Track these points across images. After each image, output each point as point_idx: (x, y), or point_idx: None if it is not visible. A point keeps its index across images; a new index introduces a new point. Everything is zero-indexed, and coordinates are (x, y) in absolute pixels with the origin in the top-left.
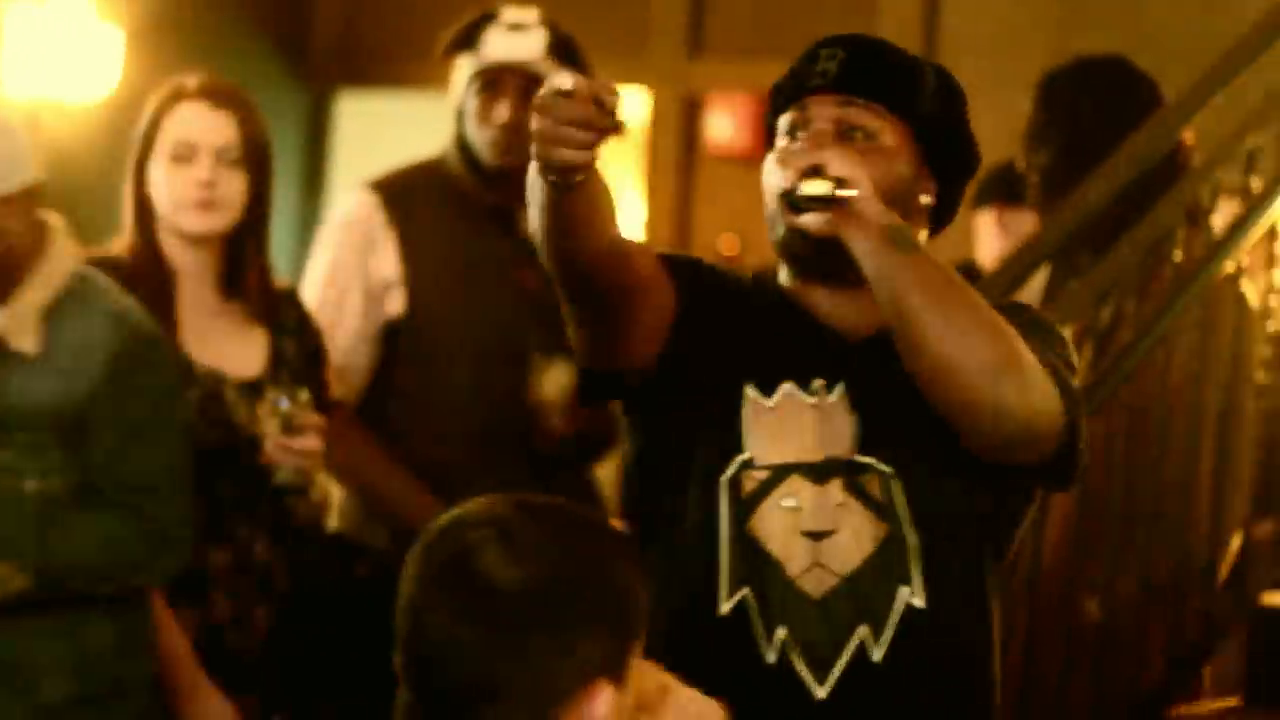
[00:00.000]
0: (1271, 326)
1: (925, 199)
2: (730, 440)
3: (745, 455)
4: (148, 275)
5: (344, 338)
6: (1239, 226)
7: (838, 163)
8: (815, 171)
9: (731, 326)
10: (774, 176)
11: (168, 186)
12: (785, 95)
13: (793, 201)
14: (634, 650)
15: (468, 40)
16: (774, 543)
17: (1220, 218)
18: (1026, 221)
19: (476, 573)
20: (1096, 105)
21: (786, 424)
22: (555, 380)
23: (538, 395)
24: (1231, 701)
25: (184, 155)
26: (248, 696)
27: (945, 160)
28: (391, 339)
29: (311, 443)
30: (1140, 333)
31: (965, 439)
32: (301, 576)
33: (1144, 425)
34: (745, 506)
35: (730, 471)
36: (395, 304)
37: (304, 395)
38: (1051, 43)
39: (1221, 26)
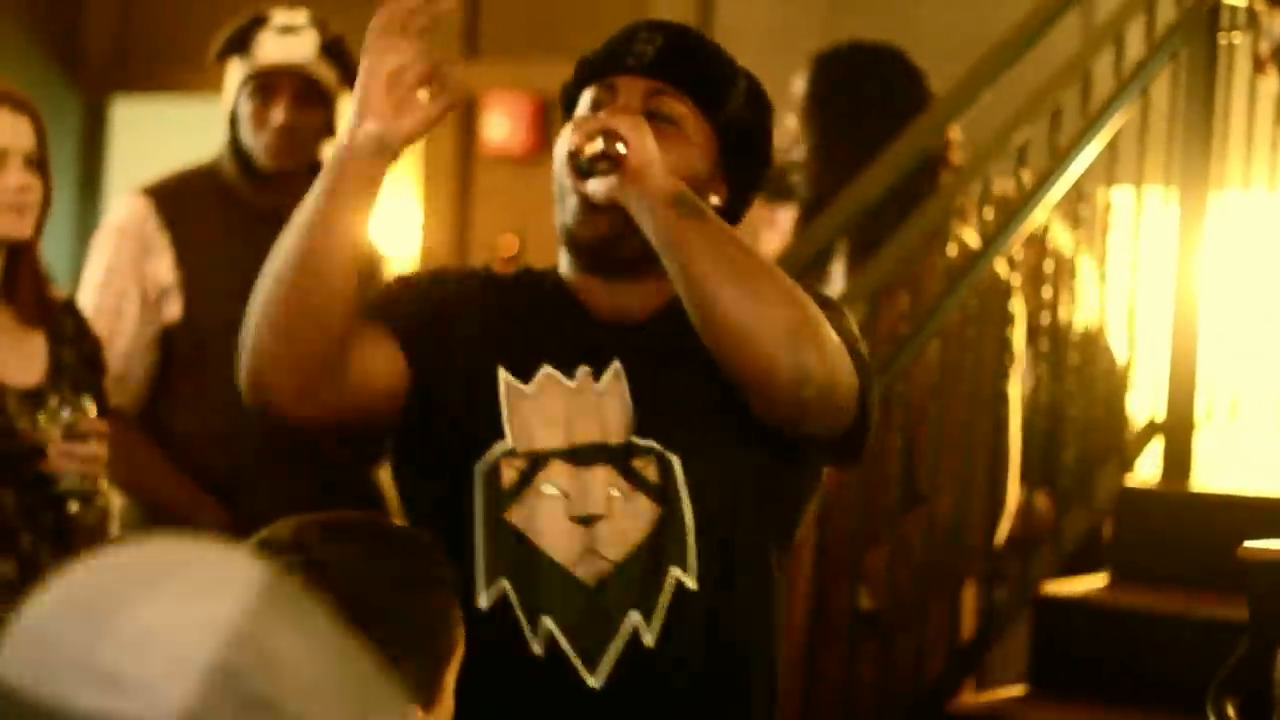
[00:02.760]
0: (1045, 319)
1: (715, 199)
2: (488, 429)
3: (506, 444)
4: None
5: (122, 344)
6: (1010, 220)
7: (627, 128)
8: (606, 135)
9: (479, 320)
10: (563, 144)
11: None
12: (594, 70)
13: (579, 166)
14: (446, 673)
15: (239, 44)
16: (538, 531)
17: (990, 211)
18: (786, 217)
19: None
20: (866, 94)
21: (546, 410)
22: None
23: None
24: (1016, 690)
25: None
26: None
27: (740, 167)
28: (169, 344)
29: (95, 449)
30: (916, 327)
31: (760, 406)
32: None
33: (922, 417)
34: (505, 495)
35: (488, 460)
36: (172, 309)
37: (86, 402)
38: (825, 33)
39: (989, 21)
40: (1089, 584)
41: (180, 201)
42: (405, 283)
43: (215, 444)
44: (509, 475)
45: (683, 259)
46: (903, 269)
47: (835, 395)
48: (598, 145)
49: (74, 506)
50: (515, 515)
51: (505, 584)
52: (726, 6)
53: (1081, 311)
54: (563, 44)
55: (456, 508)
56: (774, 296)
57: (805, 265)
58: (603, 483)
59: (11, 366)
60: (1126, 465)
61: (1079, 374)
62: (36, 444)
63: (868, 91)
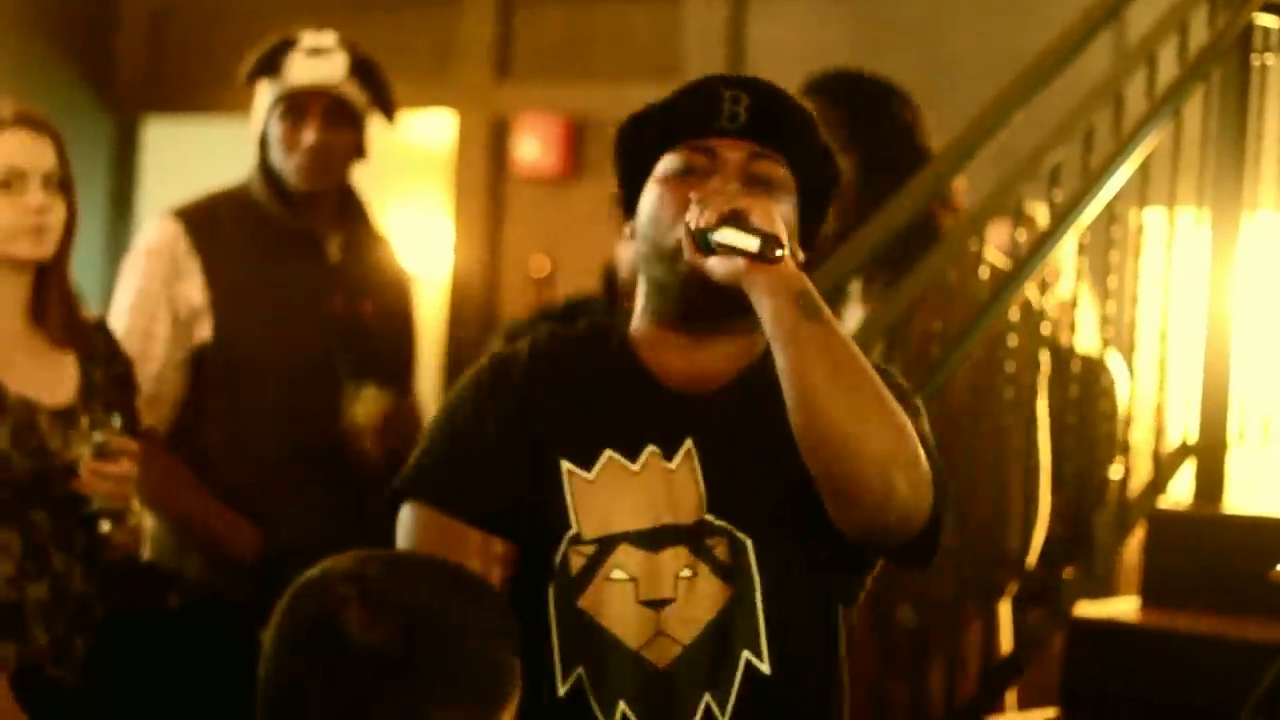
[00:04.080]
0: (1064, 340)
1: (800, 257)
2: (557, 520)
3: (571, 531)
4: None
5: (153, 365)
6: (1043, 241)
7: (761, 215)
8: (735, 217)
9: (541, 405)
10: (665, 210)
11: None
12: (679, 129)
13: (705, 242)
14: (501, 718)
15: (269, 66)
16: (608, 617)
17: (1024, 233)
18: None
19: (336, 631)
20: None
21: (610, 494)
22: (366, 404)
23: (349, 419)
24: (1048, 712)
25: (12, 183)
26: None
27: (815, 220)
28: (200, 365)
29: (125, 468)
30: (949, 348)
31: (838, 515)
32: (116, 606)
33: (954, 436)
34: (575, 583)
35: (559, 550)
36: (203, 330)
37: (116, 421)
38: (854, 57)
39: (1022, 43)
40: (1121, 606)
41: (211, 223)
42: (441, 464)
43: (246, 464)
44: (577, 562)
45: (798, 361)
46: (931, 291)
47: (916, 520)
48: (745, 240)
49: (105, 526)
50: (585, 602)
51: (580, 671)
52: (757, 27)
53: (1081, 340)
54: (593, 67)
55: (528, 598)
56: (876, 417)
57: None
58: (672, 565)
59: (43, 387)
60: (1159, 487)
61: (1078, 407)
62: (68, 463)
63: (896, 119)
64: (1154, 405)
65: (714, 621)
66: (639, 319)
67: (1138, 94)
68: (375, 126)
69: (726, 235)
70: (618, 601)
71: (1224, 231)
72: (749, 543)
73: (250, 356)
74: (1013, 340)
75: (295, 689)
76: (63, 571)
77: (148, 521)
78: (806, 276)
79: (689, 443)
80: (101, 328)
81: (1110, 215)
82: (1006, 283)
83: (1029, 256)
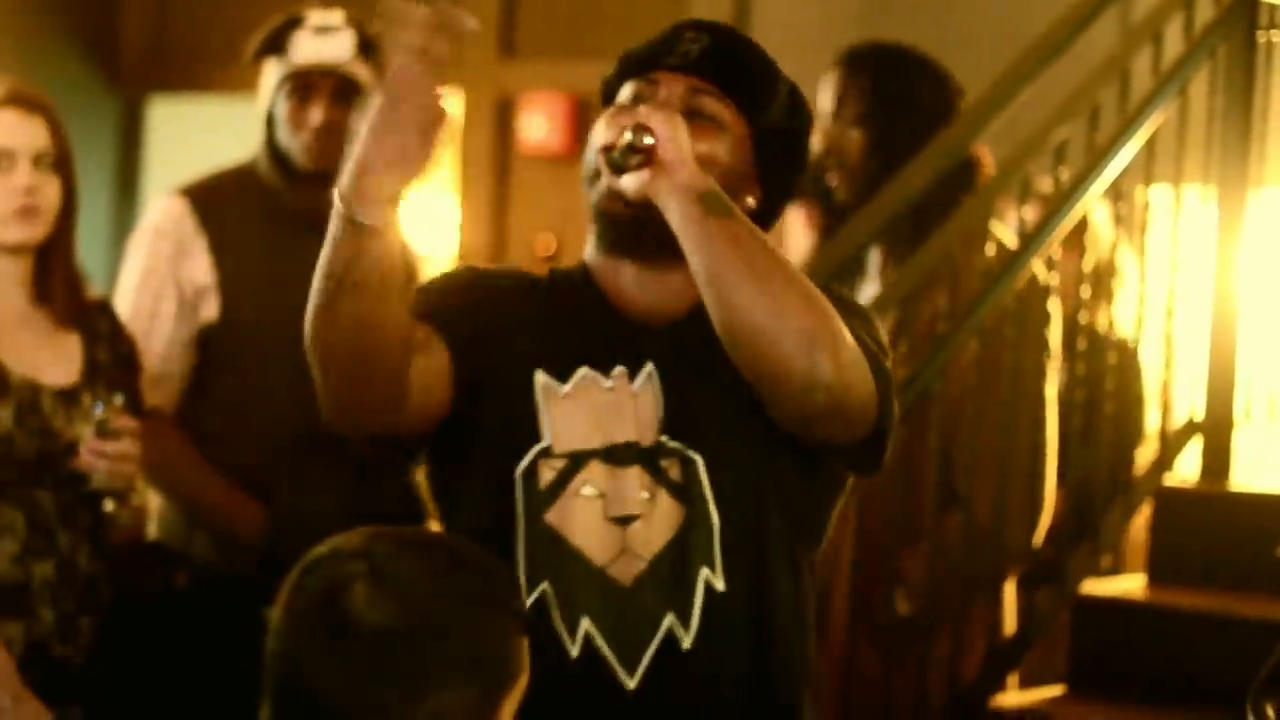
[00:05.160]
0: (1084, 318)
1: (749, 201)
2: (526, 430)
3: (543, 444)
4: None
5: (159, 344)
6: (1050, 219)
7: (660, 122)
8: (636, 130)
9: (516, 321)
10: (598, 134)
11: None
12: (636, 65)
13: (612, 160)
14: (505, 700)
15: (275, 44)
16: (576, 533)
17: (1030, 211)
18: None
19: (342, 608)
20: (910, 94)
21: (583, 410)
22: None
23: None
24: (1055, 690)
25: (2, 163)
26: (71, 705)
27: (776, 172)
28: (206, 345)
29: (127, 447)
30: (955, 326)
31: (773, 409)
32: (123, 585)
33: (959, 417)
34: (543, 497)
35: (526, 462)
36: (209, 310)
37: (119, 400)
38: (861, 34)
39: (1026, 18)
40: (1127, 584)
41: (217, 202)
42: (447, 281)
43: (252, 443)
44: (546, 476)
45: (703, 255)
46: (941, 267)
47: (848, 402)
48: (627, 137)
49: (109, 505)
50: (553, 516)
51: (545, 585)
52: (763, 5)
53: (1120, 311)
54: (599, 44)
55: (494, 510)
56: (792, 300)
57: (844, 265)
58: (636, 483)
59: (47, 366)
60: (1165, 465)
61: (1116, 373)
62: (71, 443)
63: (918, 96)
64: (1160, 382)
65: (672, 540)
66: (590, 249)
67: (1143, 71)
68: None
69: (622, 140)
70: (586, 517)
71: (1230, 209)
72: (700, 462)
73: (256, 336)
74: (1015, 329)
75: (302, 666)
76: (69, 551)
77: (154, 501)
78: (713, 180)
79: (650, 365)
80: (105, 307)
81: (1116, 192)
82: (1011, 261)
83: (1034, 233)
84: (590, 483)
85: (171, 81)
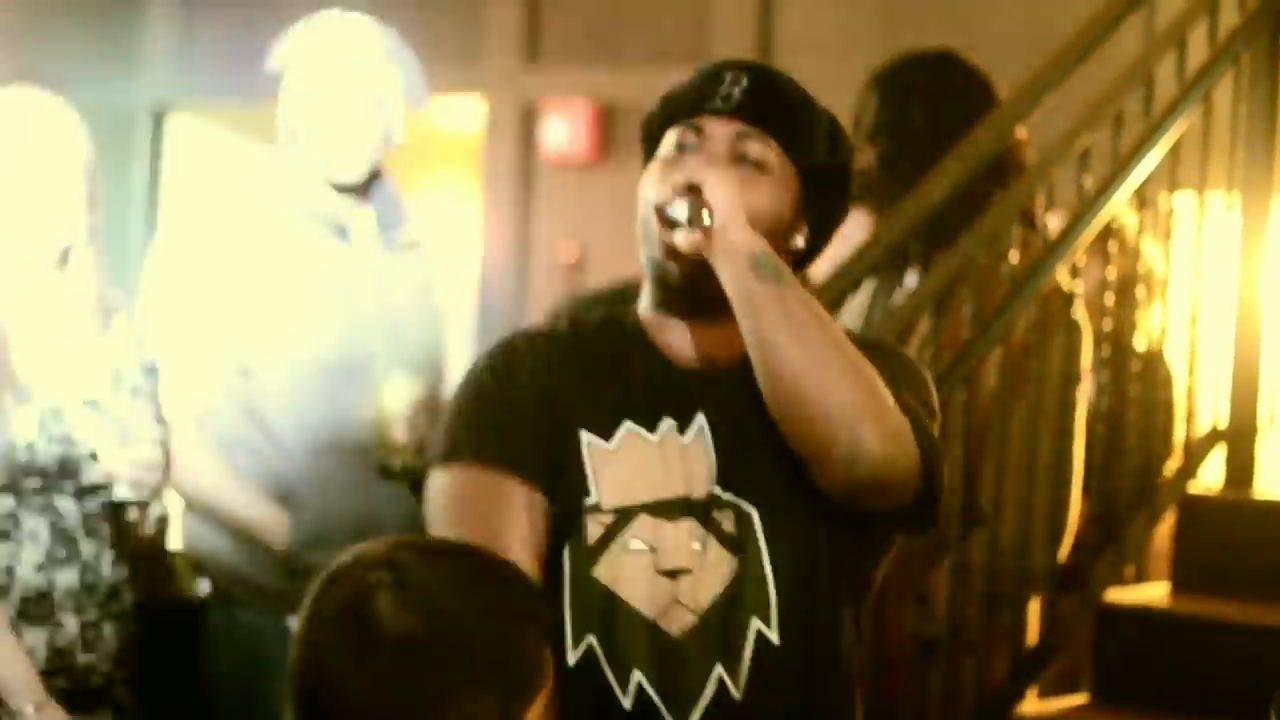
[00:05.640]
0: (1107, 325)
1: (798, 240)
2: (574, 489)
3: (590, 500)
4: None
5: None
6: (1073, 226)
7: (714, 184)
8: (693, 190)
9: (564, 388)
10: (651, 189)
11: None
12: (678, 109)
13: (666, 218)
14: (528, 711)
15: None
16: (625, 586)
17: (1055, 218)
18: (852, 223)
19: (366, 617)
20: (926, 106)
21: (630, 465)
22: (397, 392)
23: (380, 407)
24: (1079, 698)
25: None
26: (94, 713)
27: (822, 208)
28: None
29: (150, 455)
30: (978, 333)
31: (817, 478)
32: (146, 593)
33: (983, 426)
34: (590, 552)
35: (574, 518)
36: None
37: (144, 409)
38: (884, 43)
39: (1051, 26)
40: (1151, 592)
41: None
42: (487, 405)
43: (276, 451)
44: (594, 531)
45: (755, 322)
46: (968, 273)
47: (890, 476)
48: (683, 209)
49: (133, 513)
50: (601, 571)
51: (592, 639)
52: (787, 14)
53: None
54: (622, 51)
55: (544, 567)
56: (837, 371)
57: (873, 268)
58: (686, 536)
59: (70, 374)
60: (1189, 473)
61: (1141, 380)
62: (94, 452)
63: (911, 118)
64: (1184, 390)
65: (724, 593)
66: (644, 302)
67: (1168, 77)
68: (405, 112)
69: (676, 208)
70: (635, 571)
71: (1254, 215)
72: (754, 515)
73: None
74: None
75: (326, 675)
76: (92, 559)
77: (177, 509)
78: (765, 241)
79: (701, 418)
80: (130, 314)
81: (1140, 199)
82: (1034, 269)
83: (1058, 241)
84: (639, 537)
85: (195, 90)
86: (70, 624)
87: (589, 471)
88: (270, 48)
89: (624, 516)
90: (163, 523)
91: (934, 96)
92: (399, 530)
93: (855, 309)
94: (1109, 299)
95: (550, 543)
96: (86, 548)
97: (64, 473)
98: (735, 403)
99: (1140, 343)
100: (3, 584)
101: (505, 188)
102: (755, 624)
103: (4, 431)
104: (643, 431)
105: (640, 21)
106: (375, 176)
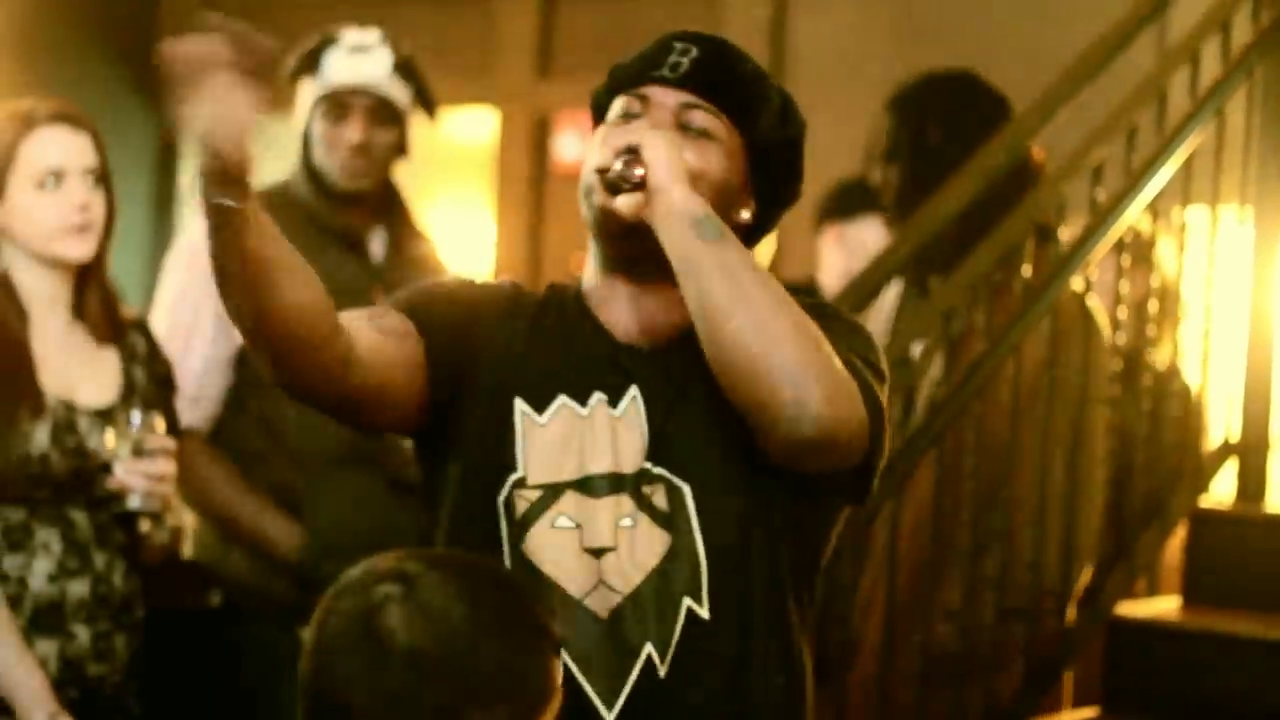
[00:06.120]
0: (1121, 340)
1: (744, 214)
2: (504, 460)
3: (518, 474)
4: (1, 305)
5: (195, 363)
6: (1086, 240)
7: (652, 144)
8: (632, 152)
9: (508, 344)
10: (594, 153)
11: (38, 213)
12: (626, 79)
13: (606, 182)
14: None
15: (310, 64)
16: (550, 564)
17: (1068, 232)
18: (865, 232)
19: (377, 630)
20: (944, 125)
21: (559, 440)
22: None
23: None
24: (1089, 712)
25: (54, 179)
26: None
27: (771, 183)
28: (244, 363)
29: (162, 467)
30: (991, 345)
31: (762, 440)
32: (158, 604)
33: (995, 438)
34: (518, 527)
35: (504, 492)
36: None
37: (156, 421)
38: (897, 55)
39: (1065, 40)
40: (1162, 606)
41: None
42: (436, 288)
43: (289, 462)
44: (521, 506)
45: (696, 281)
46: (980, 285)
47: (837, 435)
48: (618, 166)
49: (145, 525)
50: (529, 547)
51: None
52: (798, 27)
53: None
54: None
55: (477, 534)
56: (782, 330)
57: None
58: (612, 514)
59: (83, 386)
60: (1201, 487)
61: (1154, 395)
62: (107, 463)
63: (936, 132)
64: (1196, 404)
65: (655, 570)
66: (589, 268)
67: (1181, 91)
68: (417, 124)
69: (614, 168)
70: (560, 549)
71: (1267, 229)
72: (686, 490)
73: None
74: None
75: (337, 687)
76: (104, 570)
77: (190, 520)
78: (705, 202)
79: (634, 390)
80: (142, 326)
81: (1153, 213)
82: (1048, 282)
83: (1071, 255)
84: (565, 514)
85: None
86: (82, 635)
87: (518, 444)
88: (283, 60)
89: (550, 493)
90: (175, 534)
91: (950, 116)
92: (411, 543)
93: (886, 305)
94: (1122, 312)
95: (479, 514)
96: (99, 559)
97: (77, 484)
98: (671, 375)
99: (1163, 357)
100: (15, 595)
101: (518, 199)
102: (686, 601)
103: (19, 444)
104: (575, 405)
105: (652, 34)
106: (388, 189)
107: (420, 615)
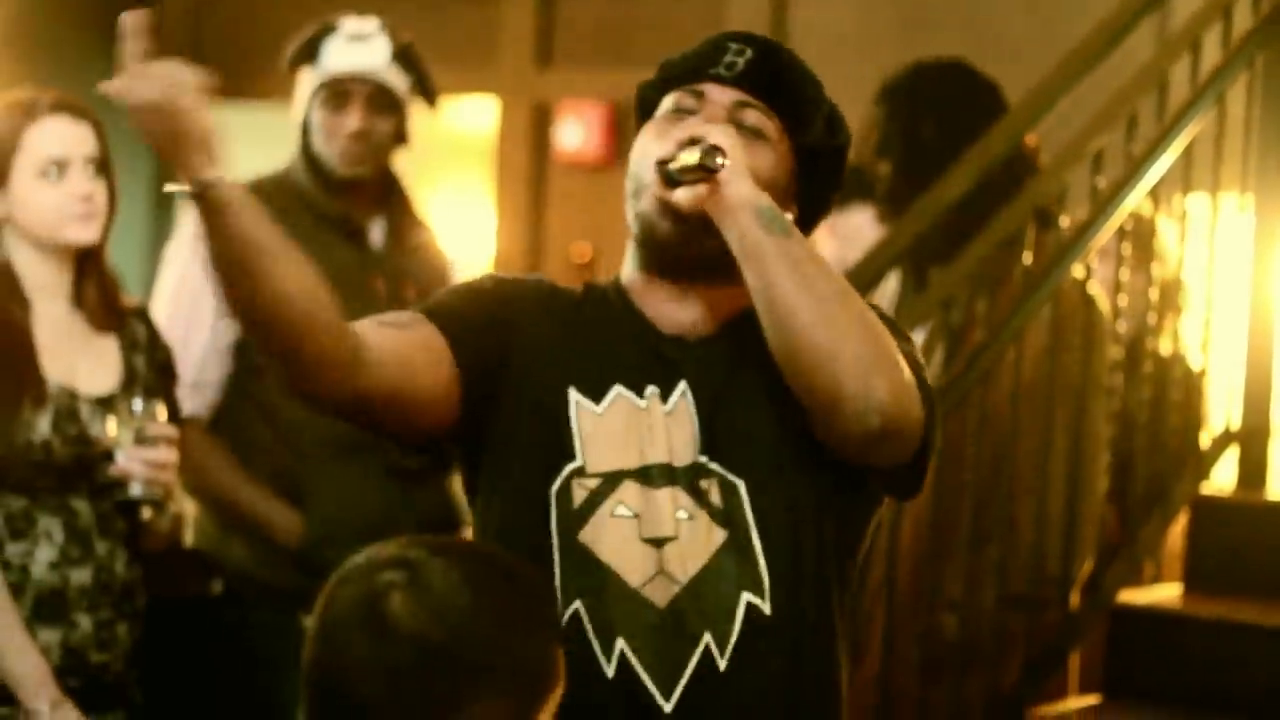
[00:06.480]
0: (1121, 327)
1: (788, 217)
2: (559, 450)
3: (575, 464)
4: (3, 294)
5: (196, 351)
6: (1087, 228)
7: (722, 138)
8: (695, 143)
9: (551, 336)
10: (651, 146)
11: (43, 201)
12: (680, 75)
13: (668, 174)
14: (541, 712)
15: (309, 53)
16: (609, 552)
17: (1068, 219)
18: (856, 219)
19: (380, 617)
20: (936, 116)
21: (617, 430)
22: None
23: None
24: (1092, 699)
25: (57, 169)
26: (109, 712)
27: (813, 190)
28: (244, 351)
29: (164, 454)
30: (992, 334)
31: (825, 432)
32: (160, 592)
33: (997, 426)
34: (576, 517)
35: (559, 482)
36: None
37: (157, 409)
38: (898, 44)
39: (1064, 27)
40: (1164, 593)
41: None
42: (468, 288)
43: (289, 450)
44: (579, 495)
45: (764, 273)
46: (981, 273)
47: (900, 428)
48: (695, 157)
49: (147, 513)
50: (586, 535)
51: (578, 605)
52: (801, 10)
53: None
54: (635, 53)
55: (527, 526)
56: (849, 322)
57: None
58: (671, 504)
59: (84, 374)
60: (1202, 474)
61: (1154, 382)
62: (108, 451)
63: (929, 123)
64: (1198, 391)
65: (710, 564)
66: (628, 266)
67: (1181, 80)
68: (417, 113)
69: (679, 159)
70: (619, 538)
71: (1267, 217)
72: (741, 485)
73: None
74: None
75: (340, 674)
76: (106, 558)
77: (191, 508)
78: (769, 195)
79: (683, 385)
80: (143, 315)
81: (1154, 201)
82: (1049, 269)
83: (1071, 243)
84: (624, 503)
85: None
86: (84, 623)
87: (575, 433)
88: (283, 49)
89: (609, 482)
90: (177, 522)
91: (943, 106)
92: (411, 530)
93: (886, 296)
94: (1124, 301)
95: (531, 505)
96: (100, 547)
97: (79, 472)
98: (719, 369)
99: (1166, 345)
100: (17, 583)
101: (518, 188)
102: (745, 596)
103: (21, 432)
104: (632, 396)
105: (653, 23)
106: (386, 176)
107: (424, 602)
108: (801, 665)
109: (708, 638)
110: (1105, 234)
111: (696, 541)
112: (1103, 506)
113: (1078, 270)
